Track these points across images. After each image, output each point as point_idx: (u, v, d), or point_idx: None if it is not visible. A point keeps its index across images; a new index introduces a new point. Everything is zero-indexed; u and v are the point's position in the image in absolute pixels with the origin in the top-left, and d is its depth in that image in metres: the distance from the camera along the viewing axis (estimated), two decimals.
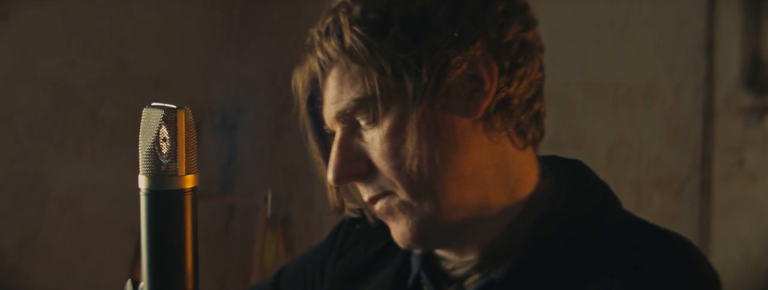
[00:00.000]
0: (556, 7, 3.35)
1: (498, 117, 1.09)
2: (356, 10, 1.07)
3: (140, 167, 0.96)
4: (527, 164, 1.13)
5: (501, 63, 1.08)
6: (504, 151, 1.11)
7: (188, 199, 0.96)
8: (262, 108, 3.97)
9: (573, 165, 1.19)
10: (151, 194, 0.96)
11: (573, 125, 3.43)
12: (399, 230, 1.12)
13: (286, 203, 3.07)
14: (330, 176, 1.11)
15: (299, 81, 1.14)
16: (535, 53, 1.11)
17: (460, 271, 1.15)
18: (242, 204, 3.85)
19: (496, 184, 1.11)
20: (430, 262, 1.19)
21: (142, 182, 0.96)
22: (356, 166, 1.10)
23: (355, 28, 1.06)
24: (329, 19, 1.09)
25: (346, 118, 1.10)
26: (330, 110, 1.11)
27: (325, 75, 1.10)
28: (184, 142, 0.95)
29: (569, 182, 1.15)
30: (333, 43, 1.08)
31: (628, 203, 1.17)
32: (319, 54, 1.10)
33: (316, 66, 1.11)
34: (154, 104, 0.96)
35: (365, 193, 1.13)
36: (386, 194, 1.11)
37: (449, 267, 1.17)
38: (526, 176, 1.13)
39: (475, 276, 1.13)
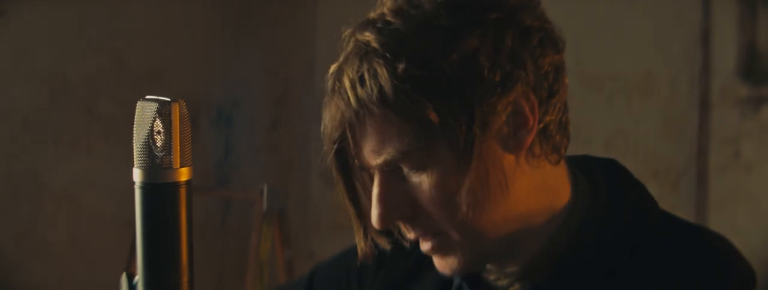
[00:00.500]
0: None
1: (537, 145, 1.08)
2: (400, 67, 1.02)
3: (135, 160, 0.96)
4: (561, 175, 1.13)
5: (539, 95, 1.06)
6: (542, 172, 1.10)
7: (183, 192, 0.96)
8: (258, 102, 3.97)
9: (607, 166, 1.19)
10: (146, 187, 0.96)
11: (570, 117, 3.42)
12: (447, 263, 1.11)
13: (282, 196, 3.07)
14: (376, 221, 1.08)
15: (328, 125, 1.08)
16: (564, 73, 1.10)
17: (503, 282, 1.14)
18: (238, 198, 3.85)
19: (538, 204, 1.10)
20: (472, 273, 1.18)
21: (137, 175, 0.96)
22: (403, 210, 1.08)
23: (399, 84, 1.02)
24: (363, 67, 1.04)
25: (390, 167, 1.07)
26: (369, 157, 1.07)
27: (361, 123, 1.06)
28: (178, 135, 0.95)
29: (606, 186, 1.14)
30: (373, 96, 1.03)
31: None
32: (354, 103, 1.05)
33: (349, 114, 1.06)
34: (148, 97, 0.96)
35: (411, 231, 1.11)
36: (436, 234, 1.10)
37: (492, 277, 1.16)
38: (563, 186, 1.13)
39: (517, 286, 1.13)
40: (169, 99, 0.95)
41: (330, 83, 1.08)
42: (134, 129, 0.96)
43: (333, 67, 1.09)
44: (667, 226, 1.13)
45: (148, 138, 0.95)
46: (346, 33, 1.08)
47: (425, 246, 1.12)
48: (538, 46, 1.06)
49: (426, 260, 1.17)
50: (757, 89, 3.29)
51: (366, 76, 1.04)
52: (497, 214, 1.08)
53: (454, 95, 1.02)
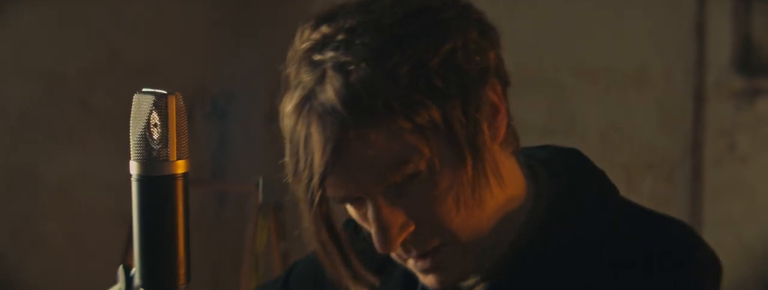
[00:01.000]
0: None
1: (507, 133, 1.09)
2: (393, 74, 1.00)
3: (131, 153, 0.96)
4: (516, 166, 1.13)
5: (502, 84, 1.07)
6: (511, 161, 1.11)
7: (179, 184, 0.97)
8: (254, 95, 3.97)
9: (567, 156, 1.18)
10: (143, 179, 0.96)
11: (565, 109, 3.43)
12: (439, 278, 1.10)
13: (277, 189, 3.07)
14: (383, 247, 1.05)
15: (316, 150, 1.05)
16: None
17: (469, 282, 1.14)
18: (234, 191, 3.85)
19: (510, 194, 1.10)
20: None
21: (134, 167, 0.96)
22: (405, 228, 1.06)
23: (398, 91, 1.00)
24: (350, 80, 1.01)
25: (392, 187, 1.04)
26: (368, 184, 1.04)
27: (358, 144, 1.02)
28: (174, 127, 0.95)
29: (567, 177, 1.14)
30: (372, 107, 1.00)
31: (620, 188, 1.17)
32: (350, 121, 1.01)
33: (342, 135, 1.01)
34: (145, 89, 0.96)
35: (412, 250, 1.08)
36: (434, 250, 1.08)
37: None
38: (519, 178, 1.13)
39: (483, 284, 1.12)
40: (165, 92, 0.95)
41: (303, 108, 1.08)
42: (131, 122, 0.96)
43: (297, 95, 1.09)
44: (628, 215, 1.13)
45: (144, 131, 0.95)
46: (291, 59, 1.09)
47: (423, 264, 1.09)
48: (491, 37, 1.07)
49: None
50: (752, 81, 3.29)
51: (360, 89, 1.00)
52: (491, 207, 1.08)
53: (450, 93, 1.02)
